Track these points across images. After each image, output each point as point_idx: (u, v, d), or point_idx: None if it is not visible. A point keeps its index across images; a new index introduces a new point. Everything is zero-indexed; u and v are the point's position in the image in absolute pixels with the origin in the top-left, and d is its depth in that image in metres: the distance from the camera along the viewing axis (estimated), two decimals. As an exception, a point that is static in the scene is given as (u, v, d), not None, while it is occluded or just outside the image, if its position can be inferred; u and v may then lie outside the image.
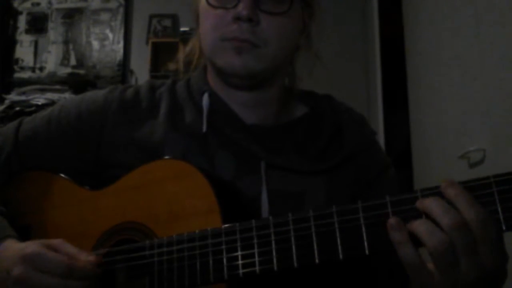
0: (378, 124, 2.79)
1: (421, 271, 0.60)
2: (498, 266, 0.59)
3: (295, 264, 0.64)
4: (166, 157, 0.81)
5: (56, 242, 0.72)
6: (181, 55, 0.98)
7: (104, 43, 3.44)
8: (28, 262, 0.68)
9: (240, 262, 0.67)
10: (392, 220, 0.60)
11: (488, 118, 1.75)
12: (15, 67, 3.41)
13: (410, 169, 2.51)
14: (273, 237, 0.66)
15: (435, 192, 0.60)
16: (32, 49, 3.44)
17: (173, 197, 0.76)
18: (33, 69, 3.41)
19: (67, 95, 3.30)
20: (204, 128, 0.84)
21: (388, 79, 2.81)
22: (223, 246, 0.68)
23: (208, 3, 0.84)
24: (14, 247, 0.73)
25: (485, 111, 1.77)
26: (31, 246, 0.70)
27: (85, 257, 0.70)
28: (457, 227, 0.57)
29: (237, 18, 0.80)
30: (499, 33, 1.69)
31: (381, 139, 2.73)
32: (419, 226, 0.59)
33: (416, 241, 0.59)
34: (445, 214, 0.58)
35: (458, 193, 0.58)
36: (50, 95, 3.31)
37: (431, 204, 0.59)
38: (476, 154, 1.80)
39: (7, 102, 3.28)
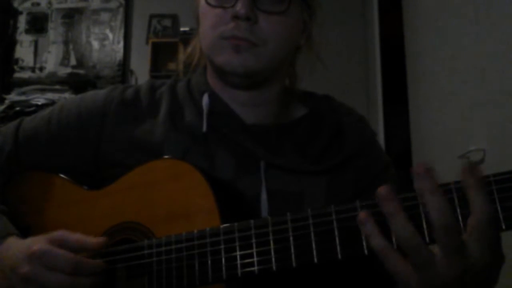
0: (378, 124, 2.79)
1: (396, 266, 0.59)
2: (490, 265, 0.58)
3: (294, 264, 0.64)
4: (165, 156, 0.80)
5: (59, 235, 0.72)
6: (181, 55, 0.98)
7: (104, 43, 3.44)
8: (35, 260, 0.69)
9: (238, 262, 0.66)
10: (361, 215, 0.60)
11: (488, 118, 1.75)
12: (15, 67, 3.41)
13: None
14: (271, 237, 0.65)
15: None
16: (32, 49, 3.44)
17: (172, 197, 0.76)
18: (33, 69, 3.41)
19: (67, 95, 3.31)
20: (204, 128, 0.84)
21: (388, 79, 2.80)
22: (222, 246, 0.68)
23: (207, 3, 0.84)
24: (18, 244, 0.73)
25: (485, 111, 1.77)
26: (37, 243, 0.70)
27: (91, 240, 0.72)
28: (445, 230, 0.56)
29: (235, 17, 0.80)
30: (499, 33, 1.69)
31: (381, 139, 2.73)
32: (392, 225, 0.58)
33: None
34: (438, 212, 0.56)
35: (477, 181, 0.56)
36: (50, 95, 3.31)
37: (427, 198, 0.58)
38: (476, 154, 1.80)
39: (7, 102, 3.28)
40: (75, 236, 0.73)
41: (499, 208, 0.57)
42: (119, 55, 3.41)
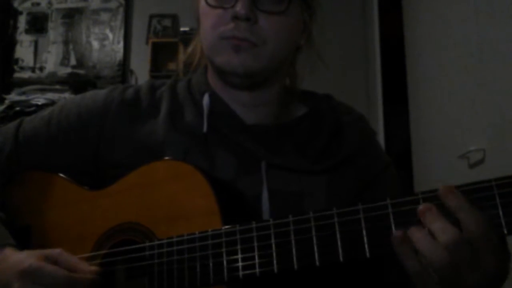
0: (378, 124, 2.79)
1: (425, 279, 0.60)
2: (500, 268, 0.59)
3: (295, 267, 0.64)
4: (166, 157, 0.80)
5: (55, 252, 0.72)
6: (181, 55, 0.98)
7: (104, 43, 3.44)
8: (26, 277, 0.68)
9: (240, 264, 0.66)
10: (397, 233, 0.60)
11: (488, 118, 1.75)
12: (15, 67, 3.41)
13: (410, 169, 2.51)
14: (273, 239, 0.65)
15: (435, 195, 0.60)
16: (32, 49, 3.44)
17: (173, 198, 0.75)
18: (33, 69, 3.41)
19: (67, 95, 3.30)
20: (205, 128, 0.84)
21: (388, 79, 2.80)
22: (223, 248, 0.68)
23: (207, 3, 0.84)
24: (12, 258, 0.72)
25: (485, 111, 1.77)
26: (28, 260, 0.70)
27: (85, 268, 0.71)
28: (455, 244, 0.57)
29: (235, 18, 0.80)
30: (499, 33, 1.69)
31: (381, 139, 2.73)
32: (420, 241, 0.59)
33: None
34: (444, 231, 0.58)
35: (458, 203, 0.58)
36: (50, 95, 3.31)
37: (430, 217, 0.59)
38: (476, 154, 1.80)
39: (7, 102, 3.28)
40: (70, 258, 0.72)
41: (501, 213, 0.57)
42: (119, 55, 3.41)
